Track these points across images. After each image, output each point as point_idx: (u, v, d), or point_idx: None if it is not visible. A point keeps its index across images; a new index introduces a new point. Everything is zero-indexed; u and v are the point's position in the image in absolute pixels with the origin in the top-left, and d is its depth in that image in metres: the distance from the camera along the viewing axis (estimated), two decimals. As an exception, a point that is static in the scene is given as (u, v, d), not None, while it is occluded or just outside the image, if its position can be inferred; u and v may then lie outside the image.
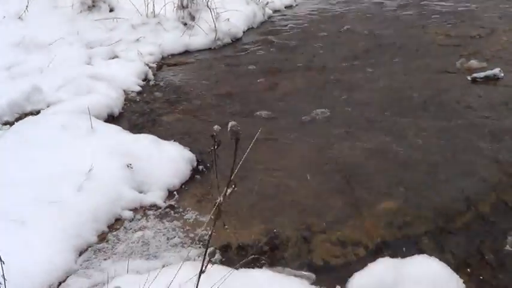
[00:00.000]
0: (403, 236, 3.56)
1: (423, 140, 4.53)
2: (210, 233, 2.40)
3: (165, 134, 4.74)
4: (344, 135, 4.65)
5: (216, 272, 2.98)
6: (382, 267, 3.11)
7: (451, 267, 3.29)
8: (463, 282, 3.15)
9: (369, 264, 3.18)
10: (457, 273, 3.27)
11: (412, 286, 2.98)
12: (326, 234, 3.55)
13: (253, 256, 3.34)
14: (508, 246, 3.49)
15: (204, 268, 2.36)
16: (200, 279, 2.36)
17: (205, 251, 2.32)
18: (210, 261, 2.35)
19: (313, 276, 3.27)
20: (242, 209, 3.75)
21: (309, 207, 3.78)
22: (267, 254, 3.46)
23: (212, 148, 2.08)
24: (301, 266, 3.40)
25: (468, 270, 3.39)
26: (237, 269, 3.15)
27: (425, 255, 3.18)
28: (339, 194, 3.88)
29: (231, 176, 2.17)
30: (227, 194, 2.15)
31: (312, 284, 3.24)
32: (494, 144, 4.43)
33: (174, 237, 3.64)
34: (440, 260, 3.34)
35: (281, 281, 3.10)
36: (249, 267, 3.27)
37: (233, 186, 2.17)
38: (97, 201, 3.85)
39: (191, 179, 4.23)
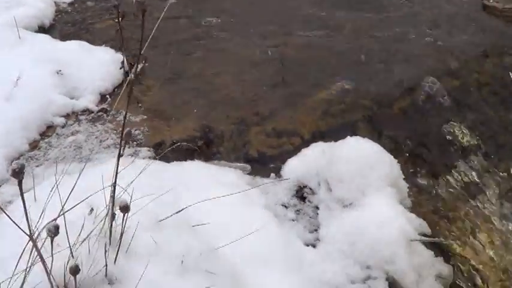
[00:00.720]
0: (339, 124, 3.53)
1: (359, 32, 4.45)
2: (125, 113, 2.30)
3: (97, 41, 4.56)
4: (279, 31, 4.53)
5: (148, 166, 2.90)
6: (316, 150, 3.08)
7: (387, 149, 3.26)
8: (398, 163, 3.13)
9: (302, 150, 3.13)
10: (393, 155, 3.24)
11: (344, 166, 2.96)
12: (261, 127, 3.50)
13: (187, 149, 3.26)
14: (443, 132, 3.49)
15: (122, 151, 2.28)
16: (119, 163, 2.28)
17: (122, 132, 2.23)
18: (127, 142, 2.27)
19: (248, 167, 3.23)
20: (176, 106, 3.66)
21: (243, 102, 3.70)
22: (202, 149, 3.38)
23: (118, 21, 1.96)
24: (237, 158, 3.35)
25: (403, 152, 3.37)
26: (169, 162, 3.08)
27: (358, 136, 3.14)
28: (274, 88, 3.81)
29: (140, 52, 2.06)
30: (138, 70, 2.04)
31: (247, 174, 3.18)
32: (432, 32, 4.37)
33: (107, 139, 3.54)
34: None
35: (213, 170, 3.05)
36: (182, 161, 3.20)
37: (143, 62, 2.06)
38: (27, 109, 3.72)
39: (125, 81, 4.10)
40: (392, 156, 3.08)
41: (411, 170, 3.32)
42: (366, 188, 2.91)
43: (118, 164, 2.29)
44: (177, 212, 2.53)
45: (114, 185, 2.32)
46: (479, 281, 3.08)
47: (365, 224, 2.83)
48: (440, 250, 3.04)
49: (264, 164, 3.27)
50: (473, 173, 3.39)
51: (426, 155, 3.41)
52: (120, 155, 2.27)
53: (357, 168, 2.95)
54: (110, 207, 2.36)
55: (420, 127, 3.54)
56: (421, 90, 3.70)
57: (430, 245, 3.02)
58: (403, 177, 3.08)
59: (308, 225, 3.00)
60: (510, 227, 3.28)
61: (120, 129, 3.57)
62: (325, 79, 3.78)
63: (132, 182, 2.46)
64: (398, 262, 2.80)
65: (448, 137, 3.50)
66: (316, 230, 2.97)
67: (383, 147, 3.27)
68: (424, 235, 2.92)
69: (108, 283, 2.34)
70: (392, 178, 2.98)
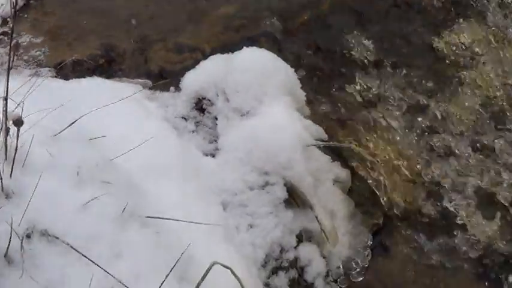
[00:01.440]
0: (241, 38, 3.55)
1: None
2: (11, 25, 2.26)
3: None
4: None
5: (44, 81, 2.87)
6: (213, 62, 3.11)
7: (288, 64, 3.31)
8: (296, 72, 3.19)
9: (201, 62, 3.16)
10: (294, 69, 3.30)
11: (239, 75, 3.01)
12: (163, 43, 3.49)
13: (88, 68, 3.25)
14: (345, 45, 3.55)
15: (11, 64, 2.25)
16: (9, 76, 2.25)
17: (10, 44, 2.20)
18: (15, 54, 2.24)
19: (149, 82, 3.24)
20: (78, 26, 3.61)
21: (145, 20, 3.67)
22: (104, 67, 3.37)
23: None
24: (139, 75, 3.35)
25: (304, 65, 3.43)
26: (67, 79, 3.06)
27: (254, 47, 3.17)
28: (176, 5, 3.77)
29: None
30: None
31: (148, 89, 3.19)
32: None
33: (8, 60, 3.47)
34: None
35: (113, 86, 3.04)
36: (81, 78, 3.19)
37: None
38: None
39: (26, 5, 4.01)
40: (289, 66, 3.14)
41: (311, 81, 3.38)
42: (262, 96, 2.97)
43: (8, 77, 2.26)
44: (72, 123, 2.53)
45: (5, 98, 2.29)
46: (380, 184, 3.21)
47: (261, 131, 2.90)
48: (337, 155, 3.14)
49: (165, 79, 3.28)
50: (374, 84, 3.48)
51: (327, 67, 3.48)
52: (9, 68, 2.24)
53: (253, 77, 3.00)
54: (3, 121, 2.34)
55: (322, 40, 3.59)
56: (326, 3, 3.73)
57: (328, 151, 3.12)
58: (300, 85, 3.13)
59: (207, 136, 3.06)
60: (410, 137, 3.40)
61: (21, 50, 3.54)
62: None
63: (26, 96, 2.44)
64: (295, 167, 2.90)
65: (349, 50, 3.56)
66: (215, 141, 3.03)
67: (284, 60, 3.31)
68: (321, 140, 3.00)
69: (5, 197, 2.35)
70: (288, 86, 3.05)
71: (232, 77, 3.01)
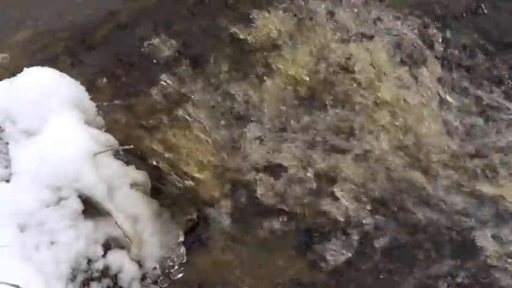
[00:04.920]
0: (41, 60, 3.54)
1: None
2: None
3: None
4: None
5: None
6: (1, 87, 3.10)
7: (86, 79, 3.33)
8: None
9: (-13, 86, 3.15)
10: (92, 81, 3.31)
11: (23, 96, 3.01)
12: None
13: None
14: (146, 47, 3.59)
15: None
16: None
17: None
18: None
19: None
20: None
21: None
22: None
23: None
24: None
25: (106, 75, 3.45)
26: None
27: (39, 67, 3.18)
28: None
29: None
30: None
31: None
32: None
33: None
34: (78, 73, 3.37)
35: None
36: None
37: None
38: None
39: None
40: (74, 80, 3.16)
41: (114, 88, 3.41)
42: (46, 113, 2.99)
43: None
44: None
45: None
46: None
47: (47, 148, 2.92)
48: (140, 158, 3.17)
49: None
50: (179, 82, 3.53)
51: (128, 73, 3.51)
52: None
53: (36, 96, 3.01)
54: None
55: (124, 48, 3.63)
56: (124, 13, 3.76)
57: (124, 156, 3.14)
58: (89, 97, 3.16)
59: (3, 162, 3.03)
60: (220, 129, 3.45)
61: None
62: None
63: None
64: (85, 178, 2.92)
65: (152, 52, 3.60)
66: (9, 166, 3.01)
67: (82, 74, 3.34)
68: (113, 147, 3.03)
69: None
70: (75, 100, 3.08)
71: (15, 99, 3.02)
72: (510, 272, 3.10)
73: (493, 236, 3.29)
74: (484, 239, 3.28)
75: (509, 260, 3.20)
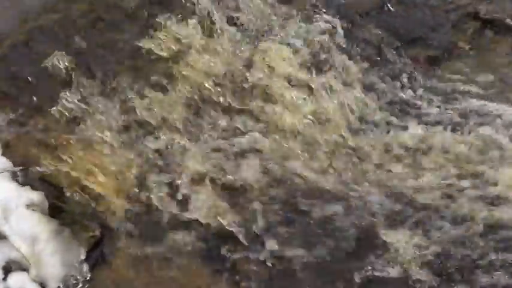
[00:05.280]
0: None
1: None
2: None
3: None
4: None
5: None
6: None
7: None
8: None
9: None
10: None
11: None
12: None
13: None
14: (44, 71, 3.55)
15: None
16: None
17: None
18: None
19: None
20: None
21: None
22: None
23: None
24: None
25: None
26: None
27: None
28: None
29: None
30: None
31: None
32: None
33: None
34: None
35: None
36: None
37: None
38: None
39: None
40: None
41: (9, 111, 3.37)
42: None
43: None
44: None
45: None
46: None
47: None
48: (33, 179, 3.14)
49: None
50: (80, 100, 3.51)
51: (26, 92, 3.47)
52: None
53: None
54: None
55: (21, 66, 3.59)
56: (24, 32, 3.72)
57: (22, 177, 3.11)
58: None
59: None
60: (124, 143, 3.44)
61: None
62: None
63: None
64: (-26, 205, 2.87)
65: (50, 68, 3.57)
66: None
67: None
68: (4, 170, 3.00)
69: None
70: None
71: None
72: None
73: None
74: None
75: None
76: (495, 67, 4.57)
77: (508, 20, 4.84)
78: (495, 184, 3.39)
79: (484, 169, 3.46)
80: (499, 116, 3.82)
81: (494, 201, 3.32)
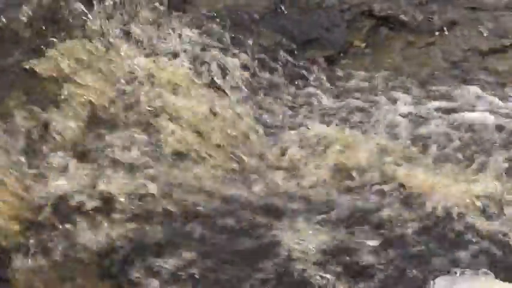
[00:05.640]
0: None
1: None
2: None
3: None
4: None
5: None
6: None
7: None
8: None
9: None
10: None
11: None
12: None
13: None
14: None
15: None
16: None
17: None
18: None
19: None
20: None
21: None
22: None
23: None
24: None
25: None
26: None
27: None
28: None
29: None
30: None
31: None
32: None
33: None
34: None
35: None
36: None
37: None
38: None
39: None
40: None
41: None
42: None
43: None
44: None
45: None
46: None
47: None
48: None
49: None
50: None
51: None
52: None
53: None
54: None
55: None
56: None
57: None
58: None
59: None
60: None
61: None
62: None
63: None
64: None
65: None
66: None
67: None
68: None
69: None
70: None
71: None
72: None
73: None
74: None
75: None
76: (390, 63, 4.69)
77: (401, 16, 4.97)
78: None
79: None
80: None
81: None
